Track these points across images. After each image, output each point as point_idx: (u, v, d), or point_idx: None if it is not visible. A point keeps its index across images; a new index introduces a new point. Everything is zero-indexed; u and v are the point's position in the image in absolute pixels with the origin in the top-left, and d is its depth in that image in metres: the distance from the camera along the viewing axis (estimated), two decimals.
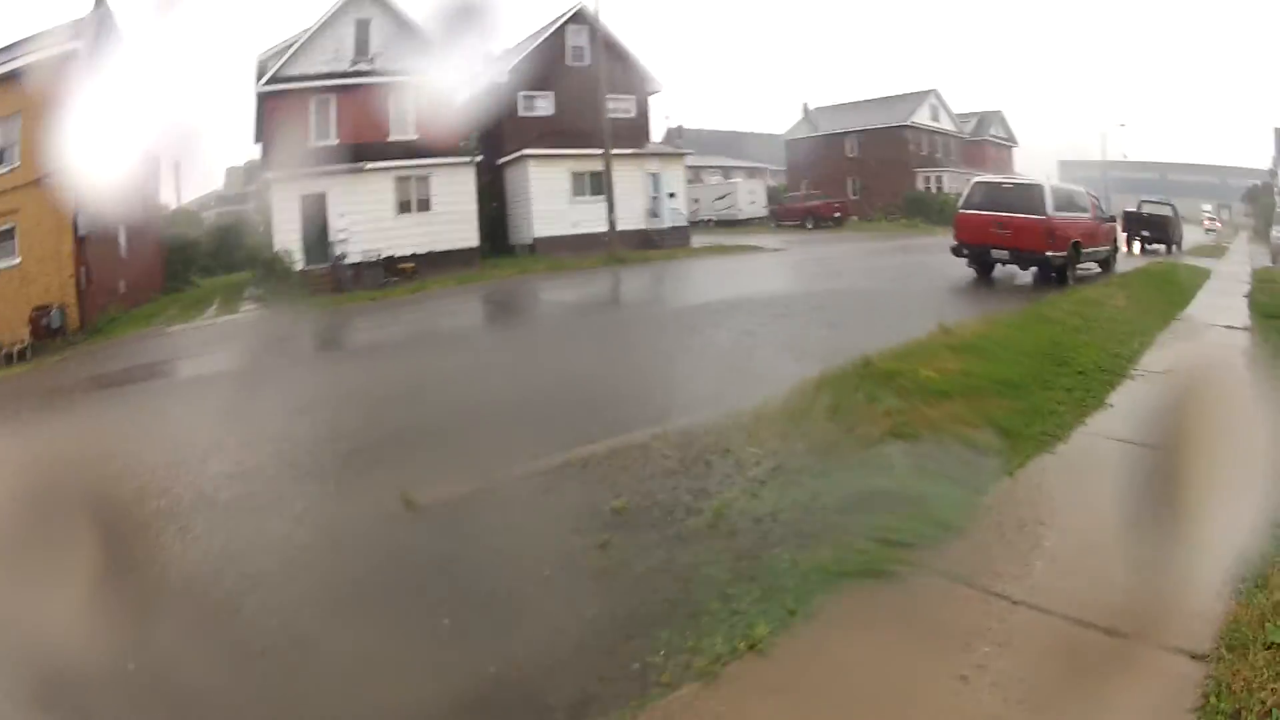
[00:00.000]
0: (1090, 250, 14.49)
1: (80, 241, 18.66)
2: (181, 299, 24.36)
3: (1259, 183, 51.37)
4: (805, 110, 48.74)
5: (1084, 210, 14.53)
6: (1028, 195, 13.37)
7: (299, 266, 20.93)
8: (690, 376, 7.87)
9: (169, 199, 35.21)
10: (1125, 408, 6.02)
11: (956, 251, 13.82)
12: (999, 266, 13.86)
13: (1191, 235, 30.91)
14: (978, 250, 13.59)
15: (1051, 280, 13.06)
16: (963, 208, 14.01)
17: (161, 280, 27.06)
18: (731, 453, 4.85)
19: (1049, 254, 12.88)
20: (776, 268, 20.26)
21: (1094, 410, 5.87)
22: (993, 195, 13.77)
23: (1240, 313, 10.97)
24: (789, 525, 3.85)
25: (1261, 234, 31.76)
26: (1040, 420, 5.44)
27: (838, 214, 36.66)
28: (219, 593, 3.88)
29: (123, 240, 22.56)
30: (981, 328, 8.39)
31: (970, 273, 14.20)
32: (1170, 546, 3.38)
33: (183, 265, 29.01)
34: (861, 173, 43.00)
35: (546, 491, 4.71)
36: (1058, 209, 13.23)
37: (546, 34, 27.15)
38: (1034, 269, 13.38)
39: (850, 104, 46.35)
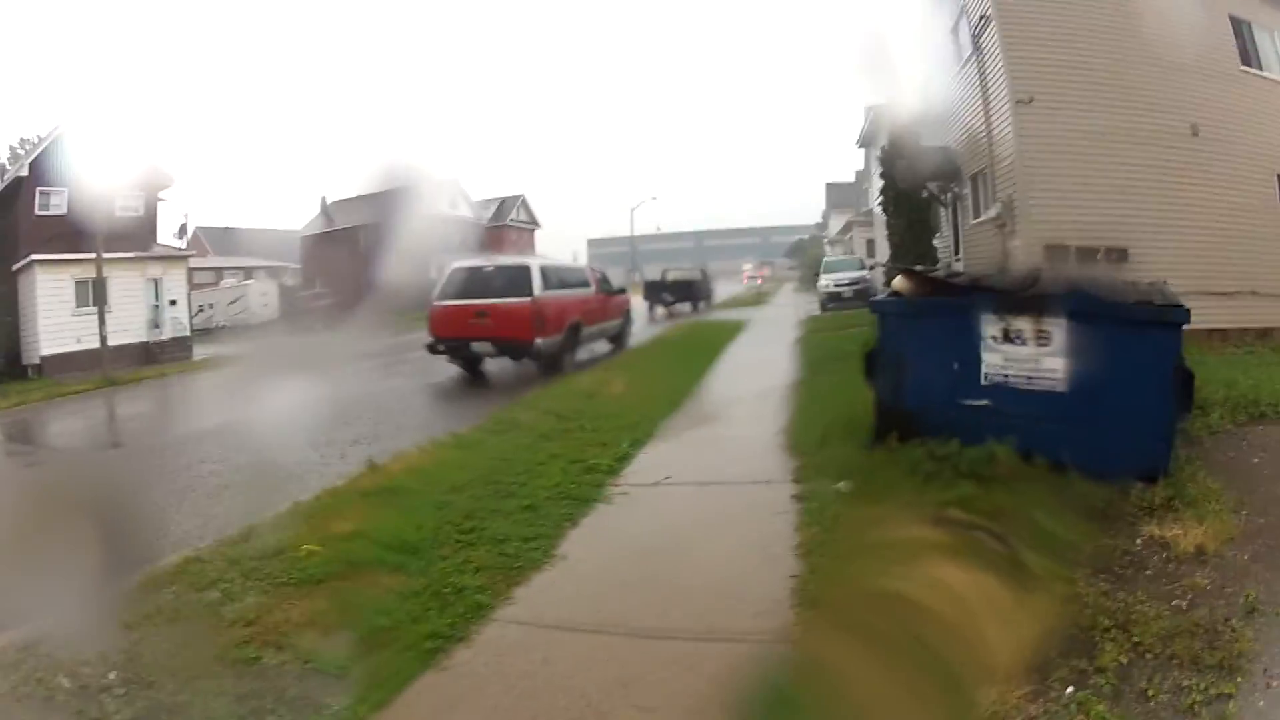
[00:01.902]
0: (595, 328, 13.63)
1: None
2: None
3: (806, 236, 59.44)
4: (323, 204, 45.98)
5: (585, 285, 13.69)
6: (512, 277, 11.83)
7: None
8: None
9: None
10: (581, 560, 4.21)
11: (433, 349, 11.67)
12: (487, 361, 12.10)
13: (733, 290, 35.05)
14: (456, 345, 11.61)
15: (548, 369, 11.64)
16: (438, 299, 11.95)
17: None
18: None
19: (538, 340, 11.43)
20: (245, 384, 16.24)
21: (532, 572, 3.98)
22: (473, 281, 11.97)
23: (779, 369, 10.14)
24: None
25: (808, 283, 32.50)
26: (438, 610, 3.50)
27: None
28: None
29: None
30: (420, 455, 6.33)
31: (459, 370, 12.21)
32: None
33: None
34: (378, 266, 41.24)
35: None
36: (549, 288, 11.98)
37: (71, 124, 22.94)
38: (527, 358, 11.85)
39: (370, 195, 44.57)
